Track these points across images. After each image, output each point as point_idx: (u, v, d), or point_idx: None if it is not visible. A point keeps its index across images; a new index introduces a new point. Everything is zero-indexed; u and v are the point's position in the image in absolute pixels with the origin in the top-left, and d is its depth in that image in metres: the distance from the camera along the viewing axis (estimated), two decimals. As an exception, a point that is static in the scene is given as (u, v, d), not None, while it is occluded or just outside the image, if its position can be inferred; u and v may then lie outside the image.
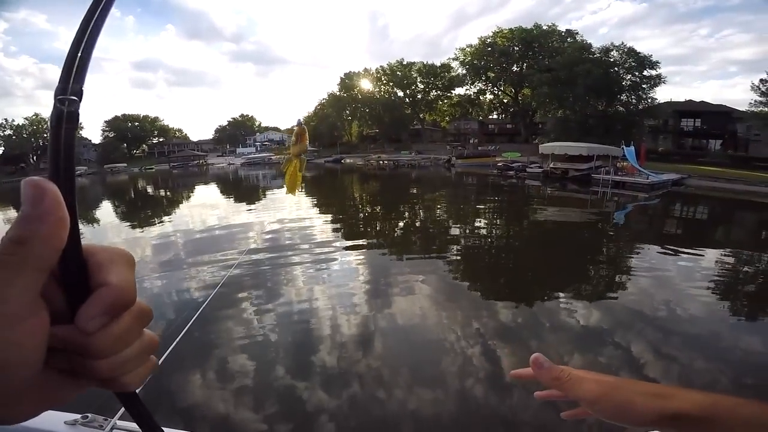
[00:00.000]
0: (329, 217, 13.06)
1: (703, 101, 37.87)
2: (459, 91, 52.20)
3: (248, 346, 4.23)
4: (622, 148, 20.59)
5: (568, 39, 41.65)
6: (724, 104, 36.94)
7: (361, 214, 13.99)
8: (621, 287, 5.94)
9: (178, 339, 1.58)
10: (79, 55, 0.27)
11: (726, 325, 4.69)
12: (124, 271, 0.26)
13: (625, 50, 31.44)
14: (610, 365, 3.80)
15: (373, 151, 51.62)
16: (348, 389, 3.43)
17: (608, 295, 5.70)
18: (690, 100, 38.37)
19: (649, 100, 31.35)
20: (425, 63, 53.86)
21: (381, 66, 55.81)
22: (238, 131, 79.86)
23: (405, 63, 54.31)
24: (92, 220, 15.06)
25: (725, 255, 7.82)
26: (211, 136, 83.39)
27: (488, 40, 44.81)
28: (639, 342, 4.17)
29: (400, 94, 54.75)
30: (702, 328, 4.60)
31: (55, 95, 0.26)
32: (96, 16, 0.28)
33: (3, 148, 62.91)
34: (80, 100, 0.27)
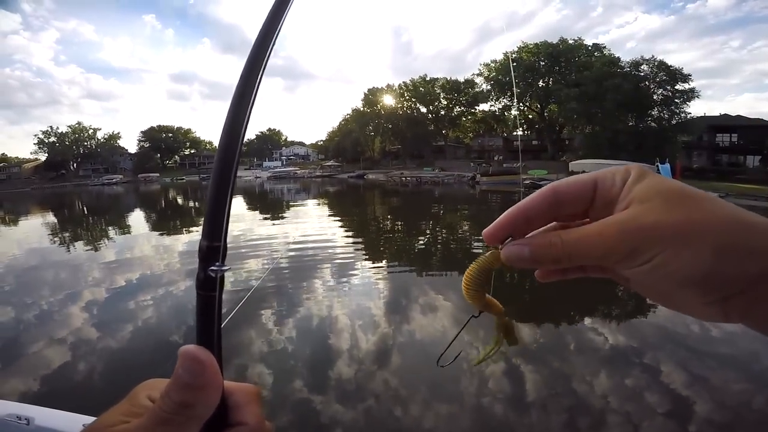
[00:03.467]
0: (351, 232, 13.15)
1: (739, 115, 36.30)
2: (483, 106, 52.16)
3: (267, 356, 4.27)
4: (657, 165, 19.90)
5: (596, 53, 41.09)
6: (762, 118, 35.22)
7: (383, 231, 14.01)
8: (651, 307, 5.66)
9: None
10: (225, 216, 0.28)
11: (762, 345, 4.38)
12: (258, 410, 0.31)
13: (656, 64, 30.70)
14: (638, 386, 3.61)
15: (395, 167, 51.97)
16: (364, 403, 3.39)
17: (636, 315, 5.45)
18: (725, 114, 36.89)
19: (683, 115, 30.28)
20: (449, 79, 54.22)
21: (404, 82, 56.62)
22: (265, 145, 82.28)
23: (428, 79, 54.82)
24: (126, 228, 15.73)
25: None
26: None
27: (513, 55, 44.71)
28: (669, 363, 3.96)
29: (423, 110, 55.15)
30: (736, 349, 4.32)
31: (203, 260, 0.27)
32: (233, 173, 0.28)
33: (47, 155, 66.68)
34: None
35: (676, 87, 29.97)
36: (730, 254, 0.24)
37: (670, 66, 30.16)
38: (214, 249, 0.27)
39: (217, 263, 0.27)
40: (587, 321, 5.16)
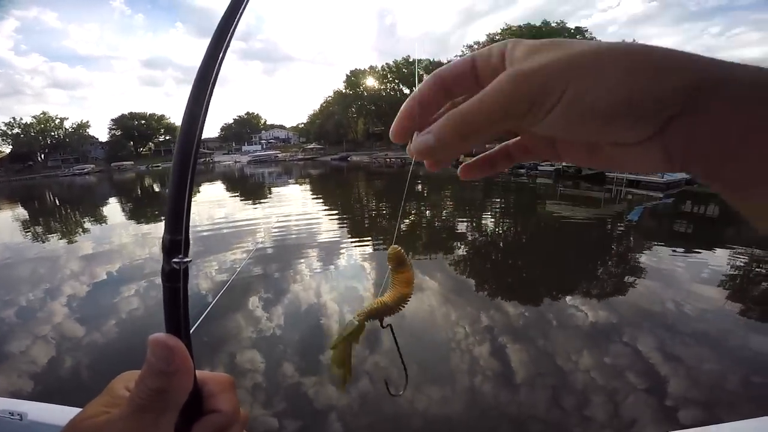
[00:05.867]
0: (335, 214, 13.09)
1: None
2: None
3: (256, 341, 4.27)
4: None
5: (577, 36, 41.35)
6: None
7: (368, 212, 14.00)
8: (631, 286, 5.89)
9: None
10: (186, 210, 0.28)
11: (735, 324, 4.63)
12: (232, 398, 0.32)
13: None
14: (618, 364, 3.77)
15: (379, 148, 51.63)
16: (357, 386, 3.45)
17: (617, 294, 5.65)
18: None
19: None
20: (432, 60, 53.64)
21: (387, 63, 55.89)
22: (244, 129, 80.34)
23: (411, 60, 54.17)
24: (101, 219, 15.24)
25: (737, 254, 7.71)
26: (217, 134, 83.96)
27: (497, 37, 44.58)
28: (646, 341, 4.14)
29: (407, 91, 54.68)
30: (711, 327, 4.55)
31: (167, 253, 0.28)
32: (192, 168, 0.28)
33: (11, 147, 63.65)
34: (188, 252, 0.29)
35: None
36: (647, 70, 0.20)
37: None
38: (176, 242, 0.28)
39: (180, 255, 0.28)
40: (568, 300, 5.33)
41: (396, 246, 0.39)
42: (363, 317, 0.41)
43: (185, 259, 0.28)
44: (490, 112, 0.23)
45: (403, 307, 0.40)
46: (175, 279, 0.28)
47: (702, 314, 4.83)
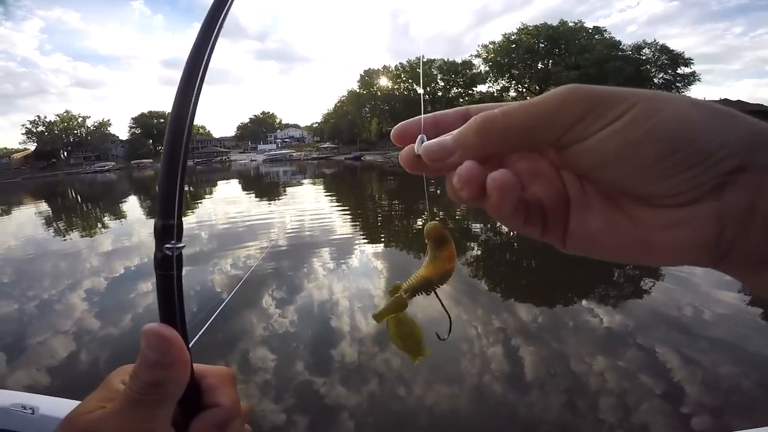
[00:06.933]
0: (350, 214, 13.12)
1: (739, 100, 36.28)
2: (481, 88, 51.59)
3: (269, 338, 4.29)
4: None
5: (596, 36, 40.51)
6: (763, 104, 35.10)
7: (382, 212, 13.99)
8: (646, 289, 5.72)
9: (200, 333, 1.60)
10: (177, 194, 0.27)
11: (754, 328, 4.44)
12: (231, 391, 0.31)
13: (658, 47, 30.54)
14: (633, 368, 3.65)
15: (392, 148, 51.63)
16: (367, 385, 3.43)
17: (633, 296, 5.50)
18: (725, 99, 36.79)
19: (684, 98, 30.66)
20: (446, 60, 53.42)
21: (400, 63, 55.78)
22: (260, 128, 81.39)
23: (425, 60, 54.07)
24: (121, 215, 15.61)
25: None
26: (233, 133, 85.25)
27: (513, 37, 44.09)
28: (663, 345, 4.01)
29: (420, 91, 54.65)
30: (728, 331, 4.38)
31: (159, 239, 0.27)
32: (183, 150, 0.27)
33: (36, 145, 65.67)
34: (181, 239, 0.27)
35: (677, 71, 29.96)
36: (724, 113, 0.19)
37: (672, 50, 30.06)
38: (168, 227, 0.27)
39: (173, 241, 0.27)
40: (586, 302, 5.21)
41: (435, 222, 0.35)
42: (408, 294, 0.37)
43: (178, 245, 0.27)
44: (533, 113, 0.20)
45: (444, 283, 0.37)
46: (168, 266, 0.27)
47: (720, 319, 4.66)
